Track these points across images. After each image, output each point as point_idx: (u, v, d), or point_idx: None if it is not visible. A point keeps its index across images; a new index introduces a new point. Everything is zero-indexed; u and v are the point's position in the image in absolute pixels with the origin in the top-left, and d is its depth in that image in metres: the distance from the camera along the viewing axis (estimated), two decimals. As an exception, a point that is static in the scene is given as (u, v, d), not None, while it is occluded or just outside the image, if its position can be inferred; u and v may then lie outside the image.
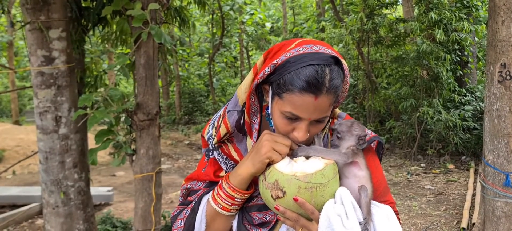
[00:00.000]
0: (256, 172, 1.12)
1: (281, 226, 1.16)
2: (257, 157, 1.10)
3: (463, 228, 4.58)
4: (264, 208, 1.17)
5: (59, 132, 3.58)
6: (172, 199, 6.75)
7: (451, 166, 7.48)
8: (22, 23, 3.58)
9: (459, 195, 5.95)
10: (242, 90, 1.18)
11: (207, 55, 18.60)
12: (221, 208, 1.16)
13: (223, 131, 1.20)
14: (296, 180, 1.04)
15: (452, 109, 8.08)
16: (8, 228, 5.24)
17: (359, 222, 1.06)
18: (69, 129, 3.62)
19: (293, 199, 1.03)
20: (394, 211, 1.21)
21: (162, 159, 9.14)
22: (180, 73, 16.85)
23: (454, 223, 4.89)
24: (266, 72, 1.09)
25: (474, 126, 7.81)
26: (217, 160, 1.25)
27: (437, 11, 7.84)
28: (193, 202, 1.23)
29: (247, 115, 1.17)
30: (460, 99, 8.31)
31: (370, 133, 1.25)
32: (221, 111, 1.27)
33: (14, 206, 5.88)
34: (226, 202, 1.15)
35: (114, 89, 3.31)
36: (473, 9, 8.39)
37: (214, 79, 17.76)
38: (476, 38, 9.65)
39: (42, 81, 3.48)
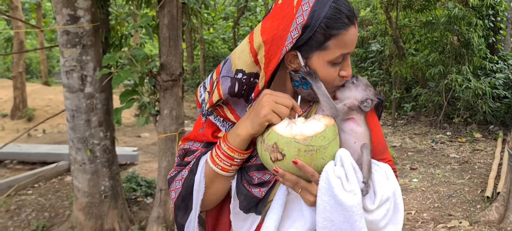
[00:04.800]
0: (255, 133, 1.09)
1: (280, 185, 1.14)
2: (257, 118, 1.07)
3: (487, 197, 4.51)
4: (263, 167, 1.14)
5: (85, 90, 3.65)
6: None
7: (478, 135, 7.31)
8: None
9: (485, 164, 5.84)
10: (236, 55, 1.14)
11: (232, 19, 18.45)
12: (220, 169, 1.14)
13: (215, 97, 1.15)
14: (295, 143, 1.01)
15: (483, 77, 7.83)
16: (39, 183, 5.45)
17: (360, 184, 1.04)
18: (94, 88, 3.69)
19: (293, 161, 1.02)
20: (392, 169, 1.19)
21: (186, 122, 9.25)
22: (205, 37, 16.81)
23: (478, 192, 4.81)
24: (295, 36, 1.06)
25: (505, 94, 7.57)
26: (215, 122, 1.21)
27: (471, -26, 7.51)
28: (191, 163, 1.20)
29: (264, 82, 1.12)
30: (492, 66, 8.04)
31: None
32: (214, 73, 1.22)
33: (44, 163, 6.09)
34: (225, 162, 1.13)
35: (138, 49, 3.33)
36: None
37: (239, 44, 17.64)
38: (511, 3, 9.23)
39: (68, 40, 3.53)
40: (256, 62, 1.11)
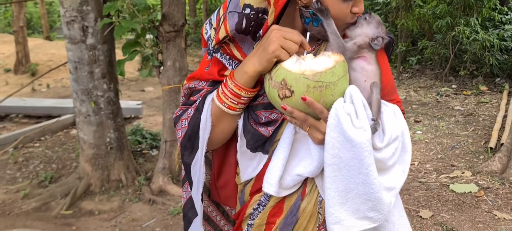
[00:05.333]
0: (262, 70, 1.06)
1: (288, 124, 1.13)
2: (264, 54, 1.04)
3: (491, 148, 4.52)
4: (270, 106, 1.12)
5: (87, 42, 3.61)
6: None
7: (483, 88, 7.26)
8: None
9: (489, 116, 5.82)
10: None
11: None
12: (226, 107, 1.11)
13: (222, 33, 1.11)
14: (304, 79, 0.98)
15: (491, 29, 7.68)
16: (46, 136, 5.50)
17: (369, 121, 1.03)
18: (96, 39, 3.64)
19: (302, 98, 0.99)
20: (401, 110, 1.18)
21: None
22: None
23: (482, 143, 4.82)
24: None
25: (513, 46, 7.45)
26: (222, 59, 1.18)
27: None
28: (197, 102, 1.17)
29: (273, 18, 1.08)
30: (501, 18, 7.86)
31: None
32: (220, 9, 1.18)
33: (50, 117, 6.13)
34: (232, 100, 1.10)
35: (139, -2, 3.26)
36: None
37: None
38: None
39: (68, -10, 3.46)
40: None
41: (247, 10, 1.08)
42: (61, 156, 4.80)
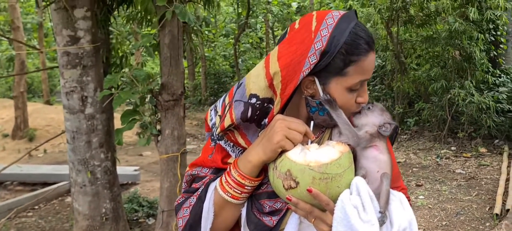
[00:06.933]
0: (267, 160, 1.05)
1: (292, 214, 1.10)
2: (269, 144, 1.03)
3: (496, 214, 4.42)
4: (274, 195, 1.10)
5: (85, 111, 3.60)
6: (198, 180, 6.77)
7: (483, 150, 7.23)
8: (47, 2, 3.58)
9: (491, 179, 5.76)
10: (251, 79, 1.10)
11: (232, 36, 18.52)
12: (230, 197, 1.09)
13: (227, 121, 1.10)
14: (310, 170, 0.97)
15: (486, 91, 7.78)
16: (39, 205, 5.38)
17: (376, 213, 1.00)
18: (95, 109, 3.64)
19: (307, 190, 0.97)
20: (406, 198, 1.15)
21: (188, 140, 9.21)
22: (206, 54, 16.85)
23: (487, 209, 4.73)
24: (313, 62, 1.03)
25: (509, 108, 7.50)
26: (226, 147, 1.17)
27: (471, -12, 7.51)
28: (199, 190, 1.16)
29: (279, 108, 1.08)
30: (494, 80, 7.99)
31: None
32: (226, 97, 1.17)
33: (45, 184, 6.03)
34: (236, 190, 1.08)
35: (139, 70, 3.30)
36: (510, -14, 8.00)
37: (240, 60, 17.70)
38: (511, 17, 9.23)
39: (68, 61, 3.50)
40: (271, 87, 1.07)
41: (253, 100, 1.08)
42: (55, 226, 4.67)
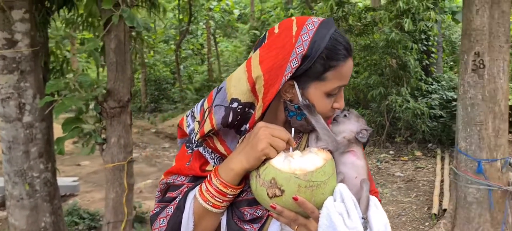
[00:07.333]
0: (250, 168, 1.03)
1: (272, 221, 1.09)
2: (253, 152, 1.01)
3: (435, 214, 4.67)
4: (254, 202, 1.08)
5: (23, 120, 3.36)
6: (141, 189, 6.57)
7: (418, 153, 7.64)
8: (-19, 2, 3.32)
9: (428, 181, 6.08)
10: (232, 83, 1.08)
11: (172, 42, 18.26)
12: (211, 205, 1.06)
13: (207, 127, 1.08)
14: (295, 179, 0.96)
15: (420, 98, 8.24)
16: (-34, 222, 4.95)
17: (360, 219, 1.01)
18: (34, 117, 3.41)
19: (293, 198, 0.96)
20: (379, 200, 1.18)
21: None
22: (146, 60, 16.48)
23: (425, 209, 4.98)
24: (295, 66, 1.04)
25: (441, 114, 7.99)
26: (204, 153, 1.14)
27: (405, 0, 7.93)
28: (178, 199, 1.11)
29: (261, 112, 1.07)
30: (427, 88, 8.48)
31: None
32: (205, 102, 1.15)
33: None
34: (217, 199, 1.06)
35: (84, 75, 3.14)
36: (439, -1, 8.56)
37: (181, 67, 17.47)
38: (441, 29, 9.87)
39: (4, 66, 3.25)
40: (254, 91, 1.05)
41: (235, 104, 1.06)
42: (-14, 244, 4.31)
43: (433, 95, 8.24)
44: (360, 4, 10.02)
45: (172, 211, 1.10)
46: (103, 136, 3.65)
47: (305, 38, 1.05)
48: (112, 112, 3.53)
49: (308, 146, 1.14)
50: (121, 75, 3.57)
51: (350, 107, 1.18)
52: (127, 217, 3.70)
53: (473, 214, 3.95)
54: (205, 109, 1.14)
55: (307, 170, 0.97)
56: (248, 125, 1.07)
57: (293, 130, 1.11)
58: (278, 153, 1.01)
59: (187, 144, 1.15)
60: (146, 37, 15.45)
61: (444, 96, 8.23)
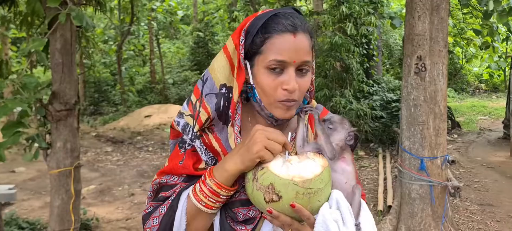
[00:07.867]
0: (244, 169, 1.04)
1: (265, 222, 1.10)
2: (248, 154, 1.01)
3: (380, 211, 4.86)
4: (247, 203, 1.09)
5: (-42, 124, 3.11)
6: (84, 195, 6.29)
7: (361, 153, 7.93)
8: None
9: (372, 179, 6.33)
10: (216, 71, 1.12)
11: (112, 43, 17.68)
12: (204, 206, 1.06)
13: (204, 116, 1.10)
14: (294, 186, 0.97)
15: (362, 100, 8.56)
16: None
17: (354, 226, 1.04)
18: (-30, 121, 3.17)
19: (290, 205, 0.97)
20: (365, 202, 1.21)
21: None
22: (84, 61, 15.82)
23: (371, 206, 5.17)
24: (242, 42, 1.09)
25: (382, 114, 8.35)
26: (198, 149, 1.14)
27: (347, 5, 8.22)
28: (171, 199, 1.11)
29: (237, 95, 1.10)
30: (369, 90, 8.83)
31: None
32: (192, 96, 1.16)
33: None
34: (211, 199, 1.06)
35: (29, 76, 2.96)
36: (379, 5, 8.95)
37: (123, 68, 16.95)
38: (380, 33, 10.33)
39: None
40: (232, 70, 1.11)
41: (223, 89, 1.11)
42: None
43: (375, 97, 8.60)
44: (304, 8, 10.23)
45: (165, 210, 1.10)
46: (47, 140, 3.47)
47: (251, 19, 1.12)
48: (58, 115, 3.37)
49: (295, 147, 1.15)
50: (67, 77, 3.41)
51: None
52: (74, 224, 3.54)
53: (416, 209, 4.16)
54: (193, 103, 1.14)
55: (306, 178, 0.98)
56: (230, 110, 1.09)
57: (289, 134, 1.12)
58: (274, 156, 1.02)
59: (180, 144, 1.16)
60: (92, 37, 14.87)
61: (384, 97, 8.61)
